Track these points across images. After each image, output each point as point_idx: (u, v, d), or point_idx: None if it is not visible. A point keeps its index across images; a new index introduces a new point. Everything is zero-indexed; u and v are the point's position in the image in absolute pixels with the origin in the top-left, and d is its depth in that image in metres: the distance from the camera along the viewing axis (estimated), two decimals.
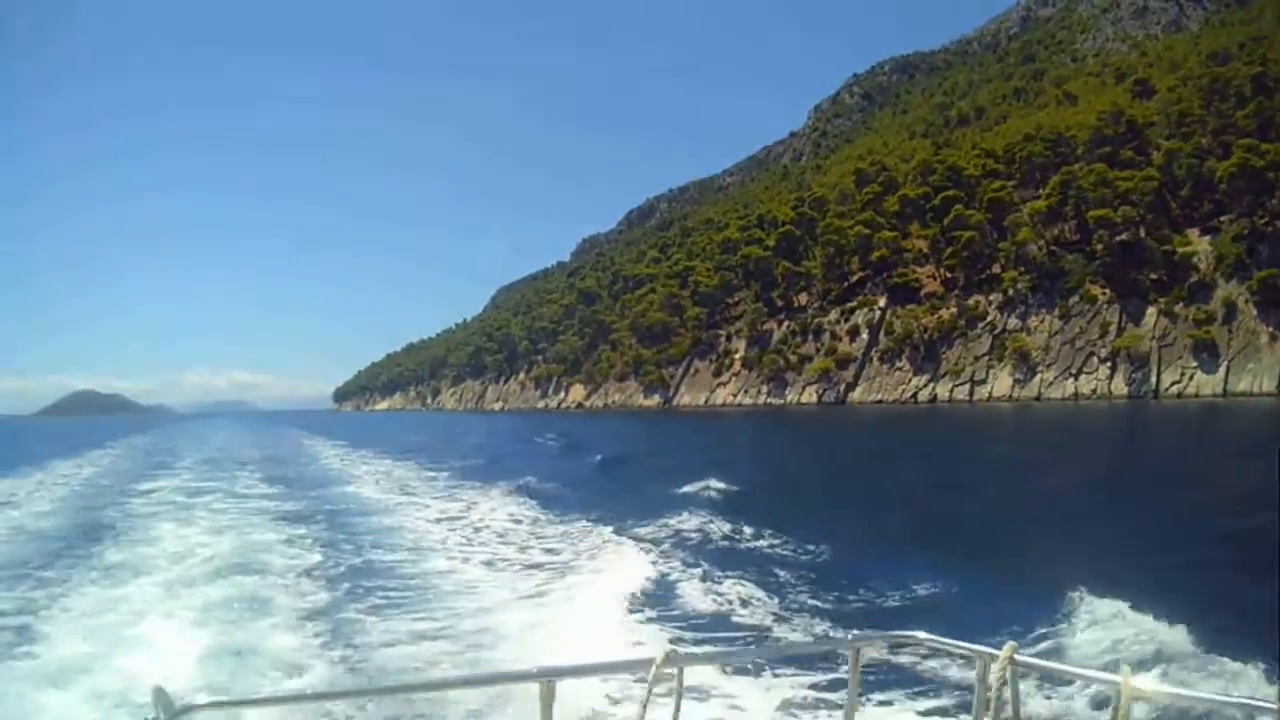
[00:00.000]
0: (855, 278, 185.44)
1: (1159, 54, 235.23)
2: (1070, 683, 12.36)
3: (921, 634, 6.64)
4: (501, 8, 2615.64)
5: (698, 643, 16.86)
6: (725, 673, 13.95)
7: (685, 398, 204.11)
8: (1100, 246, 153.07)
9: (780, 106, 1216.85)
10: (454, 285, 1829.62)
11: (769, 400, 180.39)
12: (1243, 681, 13.47)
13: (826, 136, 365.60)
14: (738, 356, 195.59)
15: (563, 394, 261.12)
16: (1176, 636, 15.60)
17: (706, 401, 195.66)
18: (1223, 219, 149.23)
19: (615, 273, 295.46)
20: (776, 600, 20.52)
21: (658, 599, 20.58)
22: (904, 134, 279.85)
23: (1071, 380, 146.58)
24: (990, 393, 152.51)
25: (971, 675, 6.07)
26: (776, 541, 27.84)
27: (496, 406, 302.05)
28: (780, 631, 18.03)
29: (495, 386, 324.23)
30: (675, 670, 5.43)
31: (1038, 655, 12.86)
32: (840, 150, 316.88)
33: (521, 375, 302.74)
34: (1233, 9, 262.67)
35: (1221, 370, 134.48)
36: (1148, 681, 5.12)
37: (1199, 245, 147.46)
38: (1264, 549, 23.76)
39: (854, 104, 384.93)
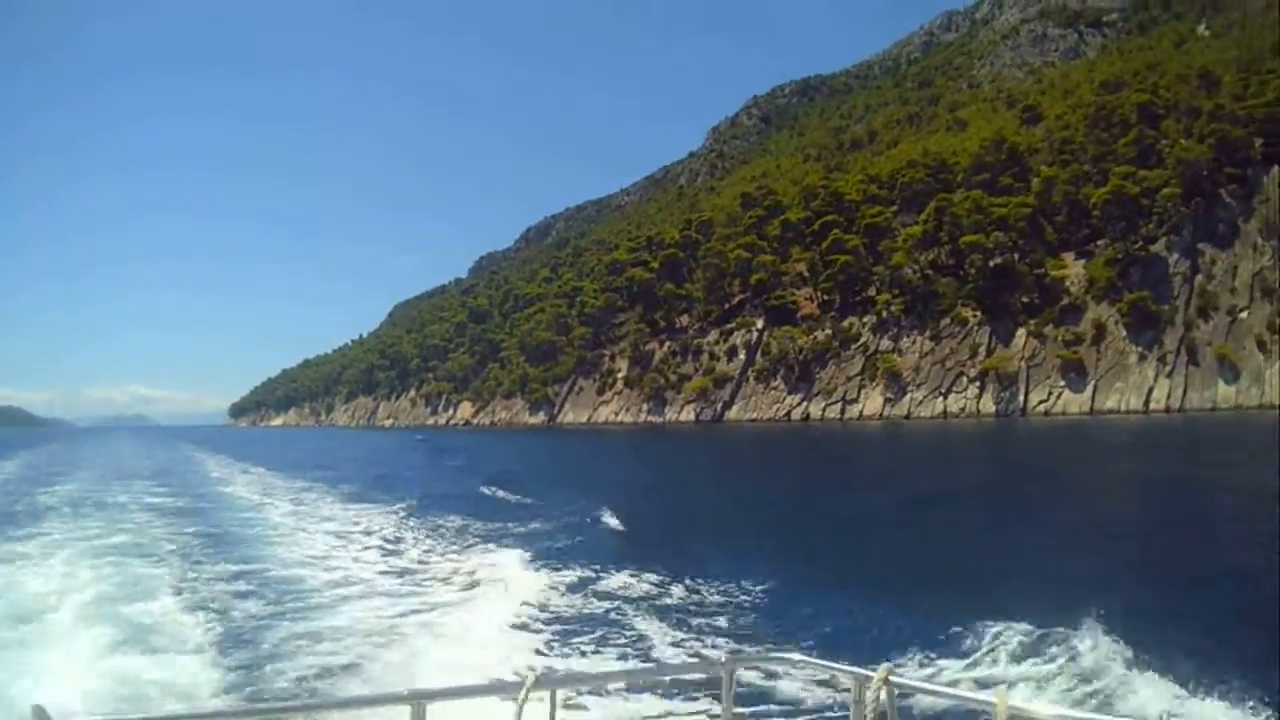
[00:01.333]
0: (736, 300, 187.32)
1: (1053, 81, 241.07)
2: (947, 703, 11.80)
3: (796, 655, 6.98)
4: (407, 17, 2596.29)
5: (572, 664, 16.97)
6: (599, 694, 13.88)
7: (569, 415, 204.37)
8: (973, 270, 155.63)
9: (685, 127, 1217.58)
10: (358, 300, 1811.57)
11: (649, 419, 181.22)
12: (1120, 700, 13.82)
13: (723, 158, 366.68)
14: (620, 376, 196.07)
15: (451, 411, 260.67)
16: (1053, 654, 15.96)
17: (589, 419, 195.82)
18: (1098, 243, 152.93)
19: (508, 291, 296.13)
20: (654, 620, 20.52)
21: (535, 620, 20.62)
22: (798, 157, 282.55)
23: (941, 399, 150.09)
24: (861, 411, 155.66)
25: (848, 696, 6.00)
26: (655, 562, 27.45)
27: (388, 423, 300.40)
28: (656, 652, 17.99)
29: (387, 403, 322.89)
30: (547, 693, 5.55)
31: (914, 676, 12.94)
32: (735, 172, 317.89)
33: (413, 392, 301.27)
34: (1133, 36, 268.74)
35: (1089, 389, 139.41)
36: (1025, 700, 5.25)
37: (1073, 269, 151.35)
38: (1133, 560, 26.20)
39: (752, 126, 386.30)
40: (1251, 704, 12.89)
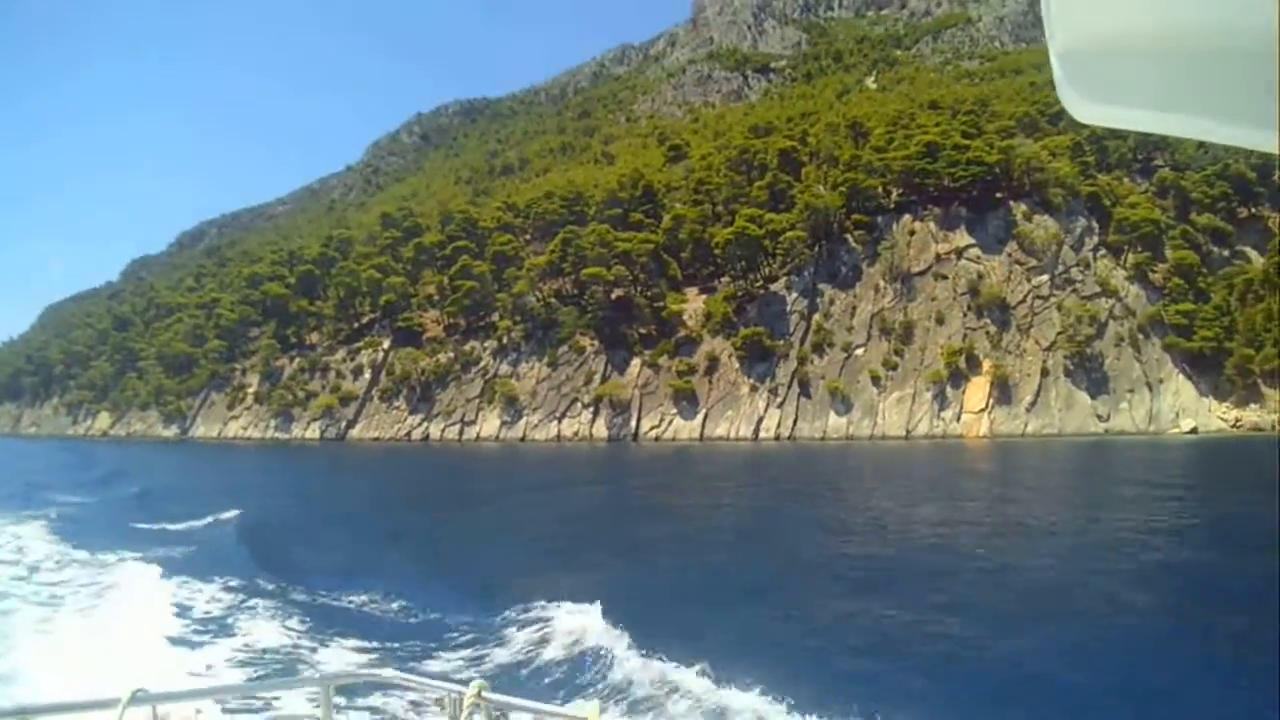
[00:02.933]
0: (366, 319, 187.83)
1: (707, 121, 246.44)
2: (541, 718, 10.57)
3: (392, 671, 6.95)
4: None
5: (177, 680, 16.96)
6: (199, 710, 12.79)
7: (201, 429, 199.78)
8: (594, 302, 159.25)
9: (350, 139, 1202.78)
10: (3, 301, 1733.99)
11: (276, 435, 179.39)
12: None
13: (378, 174, 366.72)
14: (250, 391, 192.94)
15: (90, 421, 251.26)
16: (638, 664, 17.90)
17: (220, 434, 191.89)
18: (721, 280, 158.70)
19: (151, 299, 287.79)
20: (263, 636, 21.24)
21: (146, 634, 20.49)
22: (451, 178, 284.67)
23: (556, 423, 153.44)
24: (479, 433, 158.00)
25: (444, 713, 6.04)
26: (268, 579, 28.46)
27: (31, 431, 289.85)
28: (259, 668, 18.60)
29: (31, 411, 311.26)
30: (148, 708, 5.24)
31: (509, 692, 10.56)
32: (388, 189, 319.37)
33: (55, 400, 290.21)
34: (798, 84, 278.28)
35: (700, 417, 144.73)
36: (614, 716, 8.11)
37: (694, 303, 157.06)
38: (737, 581, 30.22)
39: (411, 143, 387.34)
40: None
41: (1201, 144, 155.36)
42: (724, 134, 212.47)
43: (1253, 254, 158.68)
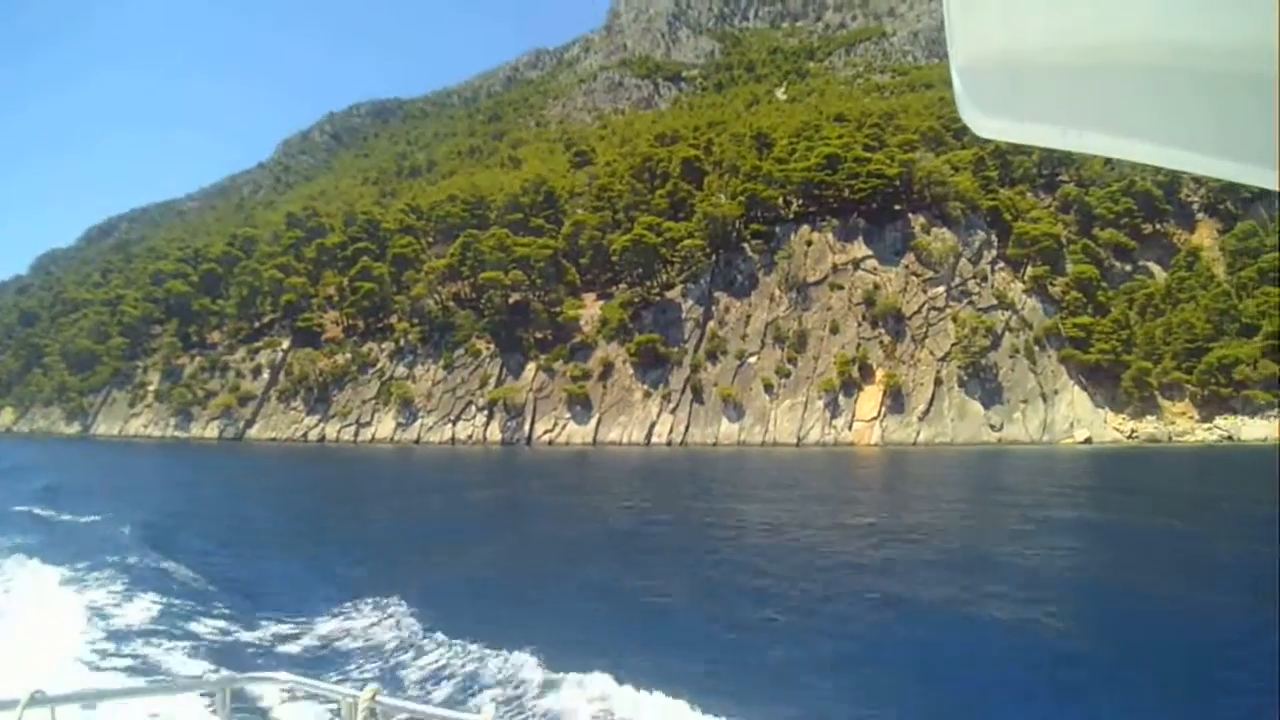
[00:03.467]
0: (266, 319, 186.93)
1: (615, 128, 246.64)
2: None
3: (287, 675, 6.90)
4: None
5: (75, 681, 17.02)
6: (94, 711, 13.08)
7: (103, 427, 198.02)
8: (491, 306, 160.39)
9: (264, 135, 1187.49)
10: None
11: (175, 433, 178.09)
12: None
13: (289, 172, 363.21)
14: (151, 389, 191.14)
15: None
16: (530, 668, 18.30)
17: (121, 432, 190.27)
18: (619, 287, 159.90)
19: (59, 294, 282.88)
20: (162, 638, 20.91)
21: (47, 636, 20.50)
22: (359, 178, 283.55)
23: (450, 425, 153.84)
24: (374, 434, 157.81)
25: (338, 717, 6.03)
26: (168, 581, 28.22)
27: None
28: (156, 671, 18.28)
29: None
30: (46, 710, 5.18)
31: (402, 697, 11.84)
32: (297, 188, 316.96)
33: None
34: (709, 93, 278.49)
35: (594, 422, 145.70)
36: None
37: (591, 309, 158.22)
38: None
39: (322, 142, 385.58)
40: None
41: (1108, 161, 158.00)
42: (630, 141, 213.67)
43: (1156, 269, 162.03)
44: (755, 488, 74.24)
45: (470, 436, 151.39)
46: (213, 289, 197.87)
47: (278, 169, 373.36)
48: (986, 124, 2.22)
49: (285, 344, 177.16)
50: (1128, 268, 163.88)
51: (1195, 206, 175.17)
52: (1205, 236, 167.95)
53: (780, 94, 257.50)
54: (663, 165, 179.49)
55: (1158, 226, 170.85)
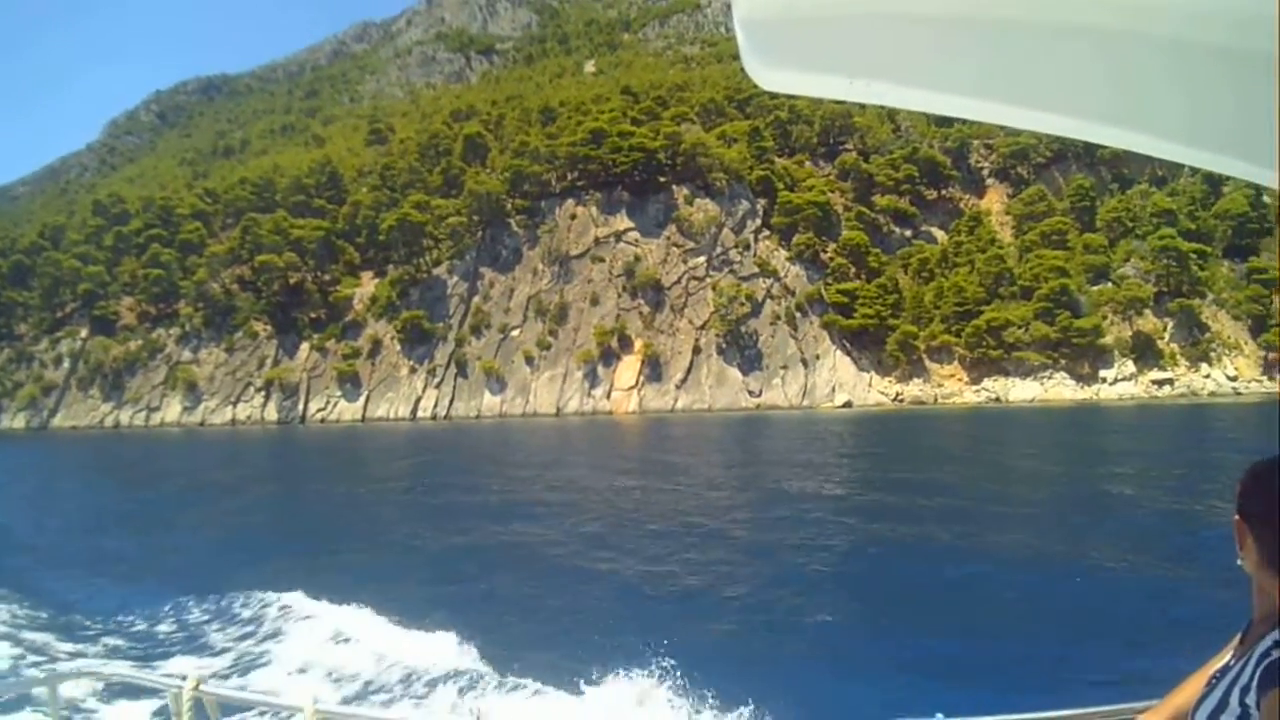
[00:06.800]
0: (68, 308, 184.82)
1: (424, 104, 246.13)
2: (258, 707, 11.85)
3: (113, 666, 7.20)
4: None
5: None
6: None
7: None
8: (267, 287, 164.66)
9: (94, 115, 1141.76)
10: None
11: None
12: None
13: (114, 154, 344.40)
14: None
15: None
16: (348, 648, 18.32)
17: None
18: (391, 265, 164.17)
19: None
20: None
21: None
22: (178, 160, 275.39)
23: (231, 408, 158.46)
24: (163, 419, 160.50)
25: (166, 705, 6.15)
26: None
27: None
28: None
29: None
30: None
31: (228, 684, 14.33)
32: (122, 170, 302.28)
33: None
34: (519, 66, 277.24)
35: (363, 399, 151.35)
36: (333, 706, 6.21)
37: (367, 287, 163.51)
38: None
39: (149, 122, 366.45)
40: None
41: (896, 128, 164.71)
42: (429, 117, 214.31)
43: (939, 234, 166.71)
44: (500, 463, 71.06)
45: (249, 417, 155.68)
46: (23, 279, 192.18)
47: (104, 151, 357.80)
48: (770, 76, 2.36)
49: (84, 333, 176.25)
50: (908, 234, 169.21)
51: (985, 172, 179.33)
52: (995, 201, 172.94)
53: (590, 67, 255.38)
54: (448, 142, 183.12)
55: (943, 193, 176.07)
